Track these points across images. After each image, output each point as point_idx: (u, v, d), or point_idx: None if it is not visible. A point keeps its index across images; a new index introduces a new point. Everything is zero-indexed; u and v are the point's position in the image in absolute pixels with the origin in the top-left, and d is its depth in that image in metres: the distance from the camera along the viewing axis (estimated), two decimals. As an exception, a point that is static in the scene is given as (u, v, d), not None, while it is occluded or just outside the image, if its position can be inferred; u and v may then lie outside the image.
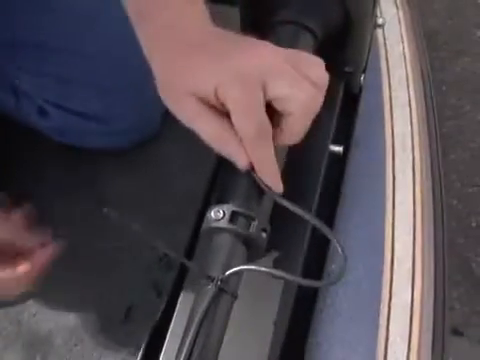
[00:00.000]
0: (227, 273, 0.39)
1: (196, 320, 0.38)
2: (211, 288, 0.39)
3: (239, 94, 0.40)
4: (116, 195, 0.71)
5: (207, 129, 0.43)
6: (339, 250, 0.37)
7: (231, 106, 0.41)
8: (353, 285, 0.59)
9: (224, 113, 0.42)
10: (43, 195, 0.73)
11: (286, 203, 0.42)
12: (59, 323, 0.64)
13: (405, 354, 0.57)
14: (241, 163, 0.42)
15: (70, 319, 0.64)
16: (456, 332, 1.43)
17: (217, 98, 0.41)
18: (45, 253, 0.50)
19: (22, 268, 0.48)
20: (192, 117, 0.43)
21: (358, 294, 0.59)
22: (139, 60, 0.76)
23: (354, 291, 0.59)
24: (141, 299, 0.64)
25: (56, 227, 0.49)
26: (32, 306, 0.65)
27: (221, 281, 0.39)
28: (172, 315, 0.50)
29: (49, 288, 0.66)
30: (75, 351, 0.62)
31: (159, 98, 0.79)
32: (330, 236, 0.38)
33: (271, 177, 0.43)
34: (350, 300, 0.58)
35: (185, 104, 0.43)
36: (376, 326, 0.58)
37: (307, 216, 0.41)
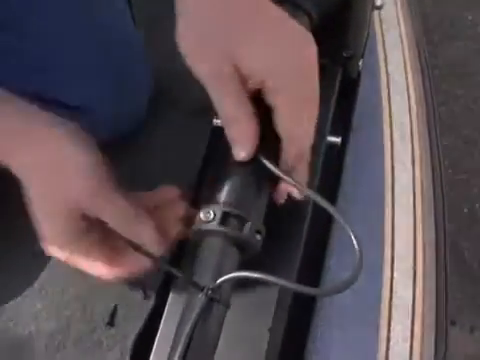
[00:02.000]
0: (218, 281, 0.36)
1: (185, 332, 0.35)
2: (201, 297, 0.35)
3: (294, 97, 0.39)
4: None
5: (228, 103, 0.39)
6: (357, 252, 0.33)
7: (282, 106, 0.39)
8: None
9: (249, 90, 0.39)
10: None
11: (314, 195, 0.39)
12: (39, 327, 0.60)
13: (407, 356, 0.54)
14: (245, 151, 0.39)
15: (51, 323, 0.60)
16: (448, 321, 1.41)
17: (259, 82, 0.38)
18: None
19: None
20: (217, 83, 0.39)
21: (357, 294, 0.56)
22: (121, 46, 0.72)
23: (353, 291, 0.55)
24: (126, 301, 0.60)
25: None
26: (9, 309, 0.60)
27: (212, 290, 0.35)
28: (160, 319, 0.46)
29: (27, 289, 0.62)
30: (57, 357, 0.58)
31: (144, 85, 0.75)
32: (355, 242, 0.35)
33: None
34: (349, 301, 0.55)
35: (216, 67, 0.39)
36: (377, 327, 0.55)
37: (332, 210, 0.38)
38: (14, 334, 0.60)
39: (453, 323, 1.43)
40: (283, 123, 0.39)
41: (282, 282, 0.35)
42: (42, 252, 0.43)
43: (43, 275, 0.63)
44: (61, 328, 0.60)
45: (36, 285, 0.62)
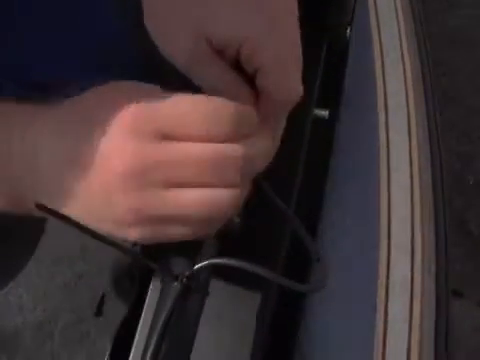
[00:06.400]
0: (194, 268, 0.34)
1: (160, 321, 0.34)
2: (176, 286, 0.33)
3: (277, 52, 0.36)
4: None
5: (211, 77, 0.38)
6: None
7: (265, 64, 0.36)
8: (344, 263, 0.53)
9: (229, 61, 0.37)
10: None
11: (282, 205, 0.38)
12: (26, 319, 0.58)
13: (407, 336, 0.52)
14: None
15: (38, 314, 0.59)
16: (455, 293, 1.40)
17: (240, 50, 0.36)
18: None
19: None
20: (193, 61, 0.37)
21: (350, 273, 0.54)
22: (107, 28, 0.69)
23: (346, 272, 0.53)
24: (114, 289, 0.58)
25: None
26: (-7, 301, 0.59)
27: (187, 278, 0.33)
28: (142, 308, 0.45)
29: (13, 280, 0.60)
30: (44, 348, 0.57)
31: (136, 75, 0.72)
32: (310, 246, 0.33)
33: None
34: (343, 282, 0.53)
35: (187, 45, 0.37)
36: (373, 308, 0.53)
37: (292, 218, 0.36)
38: (1, 327, 0.58)
39: (460, 295, 1.42)
40: (269, 77, 0.37)
41: (261, 271, 0.33)
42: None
43: (29, 263, 0.61)
44: (48, 319, 0.58)
45: (21, 275, 0.60)
